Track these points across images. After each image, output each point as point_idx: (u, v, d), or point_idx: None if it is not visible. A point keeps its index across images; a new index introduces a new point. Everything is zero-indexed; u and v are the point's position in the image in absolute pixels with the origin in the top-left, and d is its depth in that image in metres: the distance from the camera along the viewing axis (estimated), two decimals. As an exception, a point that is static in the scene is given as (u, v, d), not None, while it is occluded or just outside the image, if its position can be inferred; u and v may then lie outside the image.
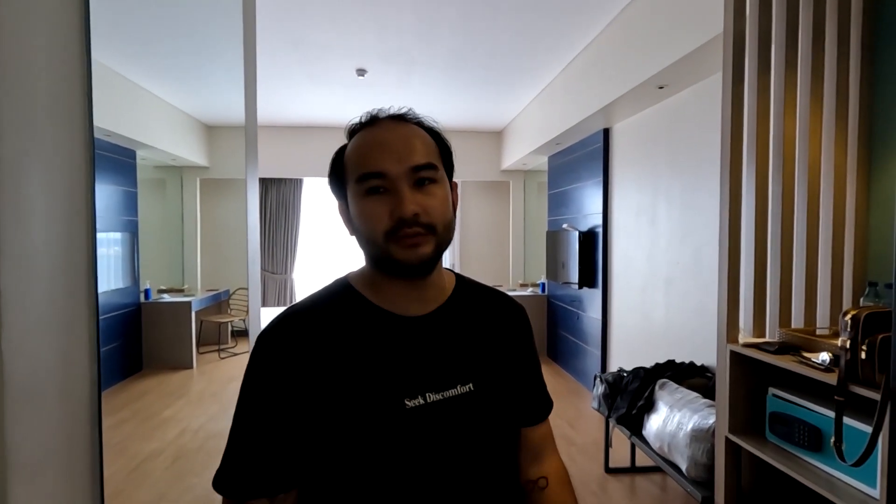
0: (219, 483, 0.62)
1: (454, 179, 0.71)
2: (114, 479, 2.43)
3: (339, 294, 0.69)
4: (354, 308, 0.67)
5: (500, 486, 0.69)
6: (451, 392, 0.65)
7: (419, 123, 0.69)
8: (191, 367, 4.39)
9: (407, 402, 0.62)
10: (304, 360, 0.62)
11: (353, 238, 0.68)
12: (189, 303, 4.49)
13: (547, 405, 0.82)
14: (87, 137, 0.74)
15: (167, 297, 4.48)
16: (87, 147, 0.75)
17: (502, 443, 0.70)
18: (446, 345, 0.67)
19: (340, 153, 0.68)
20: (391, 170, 0.61)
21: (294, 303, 0.69)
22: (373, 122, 0.67)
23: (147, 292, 4.19)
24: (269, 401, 0.61)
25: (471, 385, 0.67)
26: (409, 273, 0.64)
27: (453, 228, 0.67)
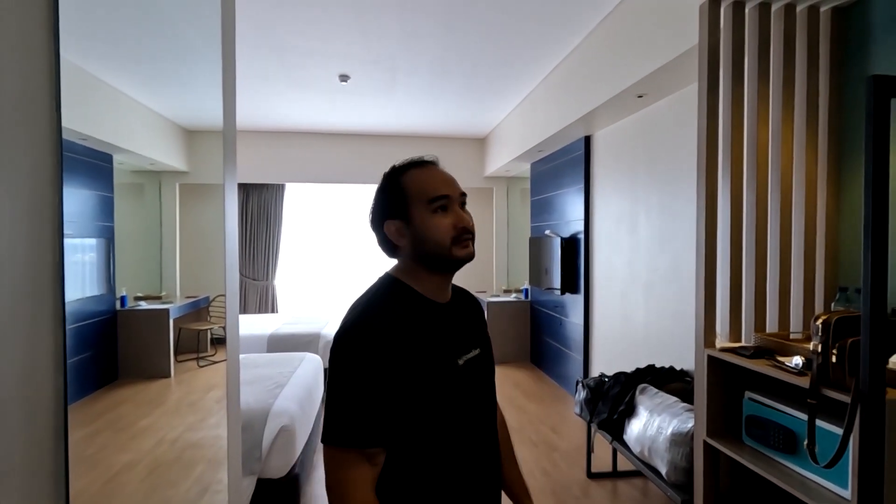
0: (328, 436, 0.81)
1: None
2: (86, 492, 2.35)
3: (396, 288, 0.92)
4: (411, 300, 0.91)
5: (495, 419, 1.03)
6: (473, 353, 0.95)
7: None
8: (168, 375, 4.28)
9: (458, 361, 0.90)
10: (389, 339, 0.82)
11: (403, 247, 0.92)
12: (167, 310, 4.38)
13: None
14: (54, 139, 0.72)
15: (144, 305, 4.37)
16: (54, 149, 0.73)
17: (494, 388, 1.03)
18: (463, 322, 0.98)
19: (396, 183, 0.92)
20: (451, 194, 0.90)
21: (365, 300, 0.90)
22: (423, 164, 0.94)
23: (123, 299, 4.08)
24: (368, 373, 0.81)
25: (479, 349, 0.97)
26: (461, 265, 0.91)
27: None
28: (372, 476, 0.82)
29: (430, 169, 0.93)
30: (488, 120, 5.63)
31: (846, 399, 1.23)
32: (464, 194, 0.93)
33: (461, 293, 1.05)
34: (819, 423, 1.37)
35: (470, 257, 0.92)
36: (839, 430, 1.31)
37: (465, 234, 0.89)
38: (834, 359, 1.29)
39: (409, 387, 0.83)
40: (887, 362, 1.26)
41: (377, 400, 0.81)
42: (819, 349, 1.32)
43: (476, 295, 6.68)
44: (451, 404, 0.88)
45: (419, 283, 0.92)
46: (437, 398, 0.86)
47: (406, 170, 0.93)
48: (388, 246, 0.95)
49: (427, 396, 0.85)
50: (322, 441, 0.83)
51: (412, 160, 0.95)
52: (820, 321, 1.33)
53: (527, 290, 5.78)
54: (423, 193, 0.89)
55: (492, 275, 6.80)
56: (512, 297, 5.89)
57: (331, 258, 7.08)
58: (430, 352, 0.87)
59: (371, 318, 0.86)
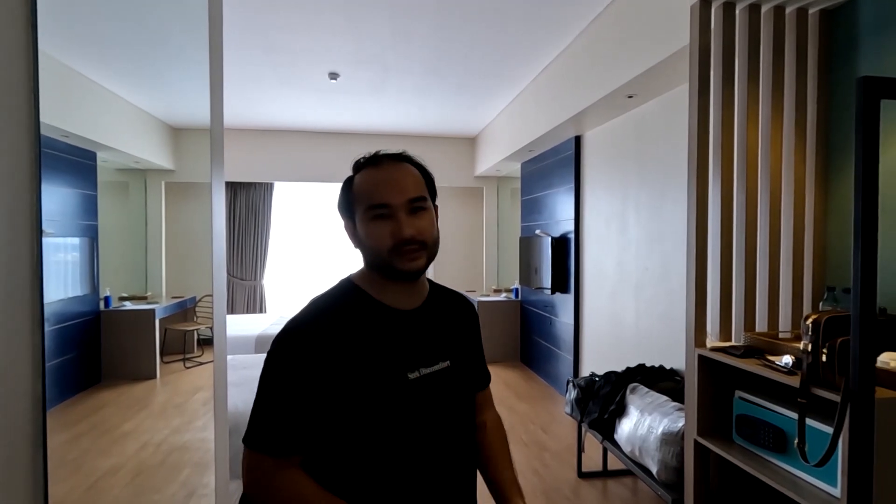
0: (246, 436, 0.77)
1: (435, 203, 0.91)
2: (67, 498, 2.30)
3: (351, 293, 0.86)
4: (364, 304, 0.84)
5: (468, 435, 0.94)
6: (437, 367, 0.86)
7: (410, 161, 0.89)
8: (154, 377, 4.22)
9: (409, 375, 0.82)
10: (331, 348, 0.77)
11: (358, 249, 0.87)
12: (152, 310, 4.32)
13: (488, 376, 1.09)
14: (32, 136, 0.70)
15: (129, 305, 4.30)
16: (32, 145, 0.70)
17: (468, 404, 0.94)
18: (430, 331, 0.88)
19: (349, 184, 0.87)
20: (394, 202, 0.81)
21: (314, 298, 0.86)
22: (376, 162, 0.86)
23: (107, 300, 4.00)
24: (293, 380, 0.77)
25: (448, 362, 0.88)
26: (406, 278, 0.83)
27: (438, 242, 0.88)
28: (289, 474, 0.77)
29: (382, 170, 0.84)
30: (479, 119, 5.62)
31: (836, 398, 1.24)
32: (418, 199, 0.83)
33: (446, 298, 0.98)
34: (809, 422, 1.38)
35: (416, 270, 0.82)
36: (829, 429, 1.32)
37: (406, 245, 0.80)
38: (824, 358, 1.30)
39: (341, 399, 0.77)
40: (876, 361, 1.27)
41: (299, 408, 0.76)
42: (809, 348, 1.32)
43: (470, 295, 6.62)
44: (393, 421, 0.80)
45: (376, 288, 0.86)
46: (375, 413, 0.79)
47: (362, 167, 0.87)
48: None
49: (363, 411, 0.78)
50: (244, 442, 0.79)
51: (371, 156, 0.87)
52: (810, 321, 1.34)
53: (517, 289, 5.79)
54: (365, 198, 0.83)
55: (482, 274, 6.80)
56: (502, 297, 5.89)
57: (320, 258, 7.03)
58: (373, 363, 0.80)
59: (310, 322, 0.81)
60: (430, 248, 0.84)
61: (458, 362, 0.90)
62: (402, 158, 0.88)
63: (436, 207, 0.90)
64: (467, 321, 1.00)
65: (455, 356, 0.90)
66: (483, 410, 1.05)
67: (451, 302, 0.98)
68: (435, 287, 0.97)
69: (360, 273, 0.88)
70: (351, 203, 0.85)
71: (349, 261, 6.70)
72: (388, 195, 0.81)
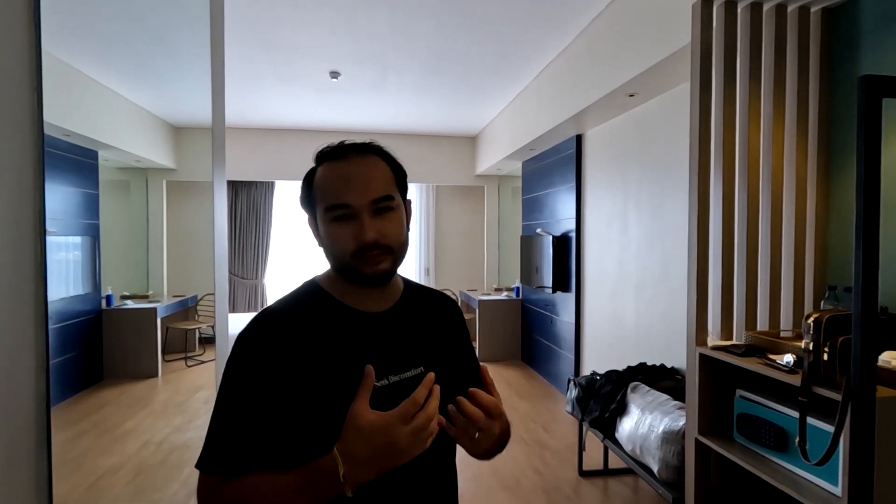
0: (203, 464, 0.70)
1: (406, 198, 0.84)
2: (69, 496, 2.30)
3: (311, 294, 0.80)
4: (325, 306, 0.78)
5: (445, 450, 0.83)
6: (408, 374, 0.78)
7: (379, 153, 0.79)
8: (155, 375, 4.23)
9: (375, 383, 0.72)
10: (284, 353, 0.71)
11: (322, 248, 0.80)
12: (154, 309, 4.33)
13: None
14: (36, 135, 0.70)
15: (131, 304, 4.31)
16: (35, 145, 0.70)
17: (446, 414, 0.81)
18: (401, 335, 0.81)
19: (310, 177, 0.79)
20: (355, 202, 0.73)
21: (271, 304, 0.79)
22: (339, 154, 0.77)
23: (109, 298, 4.01)
24: (247, 391, 0.70)
25: (421, 368, 0.80)
26: (371, 283, 0.77)
27: (407, 243, 0.81)
28: (238, 482, 0.68)
29: (345, 163, 0.76)
30: (479, 118, 5.62)
31: (837, 397, 1.24)
32: (384, 198, 0.75)
33: (424, 300, 0.89)
34: (810, 420, 1.38)
35: (380, 276, 0.76)
36: (830, 428, 1.32)
37: (369, 250, 0.73)
38: (825, 357, 1.30)
39: (300, 410, 0.70)
40: (877, 360, 1.27)
41: (251, 424, 0.69)
42: (811, 347, 1.32)
43: (471, 294, 6.59)
44: None
45: (341, 289, 0.79)
46: (338, 425, 0.69)
47: (324, 159, 0.78)
48: None
49: (324, 422, 0.70)
50: (197, 467, 0.71)
51: (335, 146, 0.78)
52: (811, 320, 1.34)
53: (518, 288, 5.79)
54: (325, 196, 0.75)
55: (483, 273, 6.80)
56: (503, 296, 5.90)
57: (320, 256, 7.03)
58: (335, 370, 0.72)
59: (265, 328, 0.74)
60: (396, 252, 0.77)
61: (433, 368, 0.79)
62: (370, 150, 0.78)
63: (407, 203, 0.83)
64: (449, 324, 0.91)
65: (430, 362, 0.81)
66: None
67: (429, 303, 0.90)
68: (411, 287, 0.90)
69: (326, 274, 0.82)
70: (312, 199, 0.78)
71: (350, 260, 6.70)
72: (350, 195, 0.73)
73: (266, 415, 0.69)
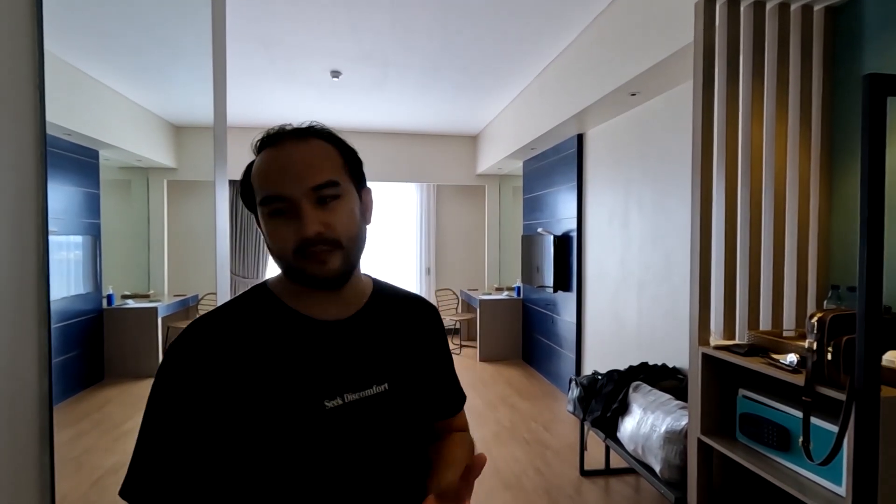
0: (126, 491, 0.61)
1: (361, 186, 0.73)
2: (70, 495, 2.30)
3: (257, 299, 0.71)
4: (272, 313, 0.69)
5: (412, 480, 0.72)
6: (368, 392, 0.69)
7: (324, 136, 0.70)
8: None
9: (326, 403, 0.65)
10: (219, 367, 0.62)
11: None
12: (155, 308, 4.32)
13: (460, 399, 0.88)
14: (38, 134, 0.69)
15: (131, 303, 4.30)
16: (38, 144, 0.70)
17: (415, 438, 0.74)
18: (363, 347, 0.71)
19: (249, 169, 0.70)
20: (293, 193, 0.64)
21: (211, 310, 0.70)
22: (275, 141, 0.67)
23: (110, 298, 4.01)
24: (180, 412, 0.61)
25: (386, 385, 0.70)
26: (321, 286, 0.67)
27: (363, 237, 0.71)
28: None
29: (282, 150, 0.66)
30: (480, 117, 5.61)
31: (840, 397, 1.24)
32: (326, 184, 0.65)
33: (396, 305, 0.79)
34: (813, 420, 1.38)
35: (330, 276, 0.66)
36: (833, 428, 1.32)
37: (309, 247, 0.63)
38: (829, 356, 1.29)
39: (238, 434, 0.61)
40: (881, 360, 1.26)
41: (184, 449, 0.60)
42: (814, 347, 1.32)
43: (472, 293, 6.59)
44: (302, 462, 0.63)
45: (293, 294, 0.70)
46: (280, 453, 0.62)
47: (261, 148, 0.69)
48: None
49: (265, 449, 0.62)
50: (121, 495, 0.63)
51: (272, 133, 0.68)
52: (815, 319, 1.33)
53: (519, 287, 5.79)
54: (258, 190, 0.66)
55: (484, 273, 6.80)
56: (504, 295, 5.89)
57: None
58: (279, 388, 0.63)
59: (201, 338, 0.64)
60: (346, 247, 0.67)
61: (401, 385, 0.72)
62: (311, 133, 0.68)
63: (364, 192, 0.73)
64: (424, 333, 0.80)
65: (398, 378, 0.72)
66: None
67: (402, 309, 0.79)
68: (382, 291, 0.79)
69: (278, 277, 0.72)
70: (251, 194, 0.68)
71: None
72: (286, 184, 0.64)
73: (202, 440, 0.60)
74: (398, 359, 0.74)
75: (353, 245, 0.68)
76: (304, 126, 0.69)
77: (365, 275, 0.78)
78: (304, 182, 0.64)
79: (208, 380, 0.62)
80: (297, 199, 0.64)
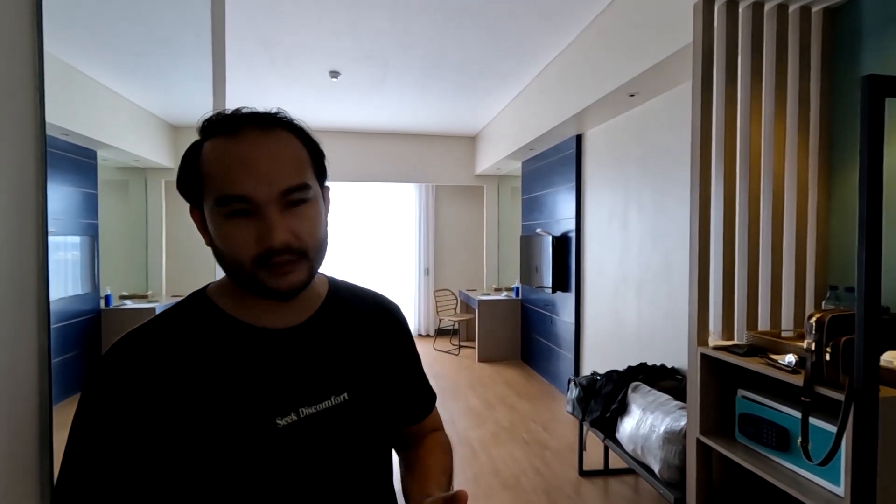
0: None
1: (324, 184, 0.66)
2: (69, 496, 2.30)
3: (194, 309, 0.63)
4: (212, 323, 0.61)
5: (377, 494, 0.69)
6: (325, 404, 0.63)
7: (289, 127, 0.62)
8: (154, 376, 4.21)
9: (279, 421, 0.59)
10: (149, 386, 0.55)
11: (211, 249, 0.62)
12: (153, 309, 4.30)
13: (430, 399, 0.83)
14: (38, 135, 0.69)
15: (130, 304, 4.30)
16: (37, 145, 0.70)
17: (381, 448, 0.69)
18: (318, 355, 0.65)
19: (194, 155, 0.60)
20: (258, 195, 0.55)
21: (143, 322, 0.62)
22: (234, 129, 0.58)
23: (108, 298, 4.00)
24: (106, 437, 0.54)
25: (345, 395, 0.65)
26: (280, 298, 0.60)
27: (327, 242, 0.64)
28: None
29: (242, 142, 0.57)
30: (479, 118, 5.61)
31: (839, 397, 1.24)
32: (298, 188, 0.58)
33: (354, 306, 0.72)
34: (812, 420, 1.38)
35: (293, 289, 0.59)
36: (832, 428, 1.32)
37: (274, 257, 0.56)
38: (827, 357, 1.29)
39: (178, 457, 0.55)
40: (880, 360, 1.26)
41: (116, 474, 0.54)
42: (813, 347, 1.32)
43: (470, 294, 6.59)
44: (254, 489, 0.57)
45: (237, 302, 0.62)
46: (226, 479, 0.56)
47: (210, 135, 0.59)
48: None
49: (209, 476, 0.56)
50: None
51: (226, 116, 0.59)
52: (814, 319, 1.34)
53: (517, 288, 5.79)
54: (215, 185, 0.56)
55: (482, 273, 6.80)
56: (503, 296, 5.89)
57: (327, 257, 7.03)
58: (223, 408, 0.57)
59: (125, 354, 0.57)
60: (312, 257, 0.60)
61: (362, 393, 0.66)
62: (276, 122, 0.60)
63: (325, 190, 0.65)
64: (386, 334, 0.74)
65: (358, 385, 0.66)
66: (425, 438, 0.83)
67: (360, 310, 0.72)
68: (338, 291, 0.72)
69: (220, 283, 0.65)
70: (198, 185, 0.59)
71: (343, 257, 6.68)
72: (251, 184, 0.55)
73: (136, 465, 0.55)
74: (358, 365, 0.68)
75: (318, 255, 0.62)
76: (265, 112, 0.60)
77: (320, 274, 0.70)
78: (272, 185, 0.56)
79: (137, 401, 0.55)
80: (263, 204, 0.55)
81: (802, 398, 1.33)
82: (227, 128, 0.58)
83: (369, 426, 0.67)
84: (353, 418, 0.64)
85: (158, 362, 0.57)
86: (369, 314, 0.73)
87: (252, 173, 0.55)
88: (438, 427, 0.85)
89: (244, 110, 0.60)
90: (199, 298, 0.64)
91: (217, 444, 0.56)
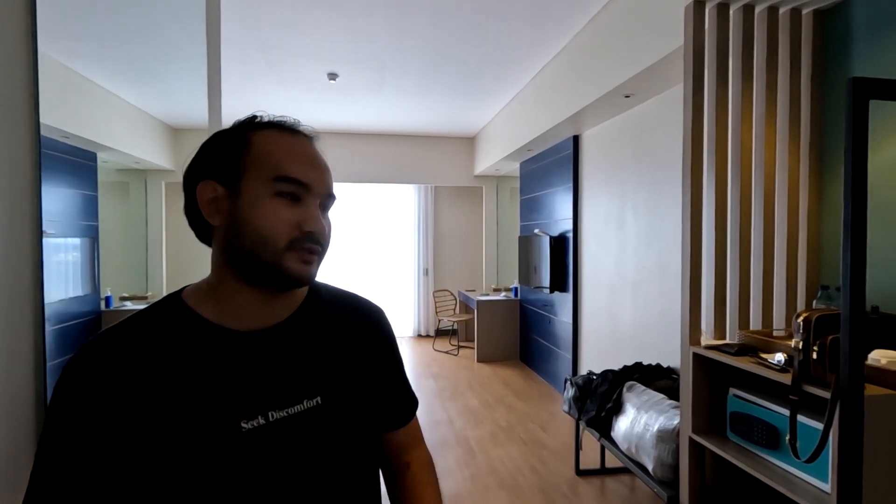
0: None
1: None
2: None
3: (164, 312, 0.62)
4: (182, 325, 0.61)
5: (356, 499, 0.67)
6: (297, 408, 0.62)
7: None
8: (155, 376, 4.22)
9: (244, 425, 0.58)
10: (119, 388, 0.56)
11: (216, 225, 0.62)
12: (153, 310, 4.33)
13: (412, 405, 0.82)
14: (33, 137, 0.71)
15: (130, 305, 4.32)
16: (33, 147, 0.71)
17: (356, 454, 0.68)
18: (291, 358, 0.64)
19: (238, 137, 0.62)
20: (316, 186, 0.62)
21: (112, 324, 0.62)
22: (292, 128, 0.65)
23: (108, 300, 4.02)
24: (74, 441, 0.54)
25: (318, 398, 0.64)
26: (290, 286, 0.62)
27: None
28: None
29: (301, 141, 0.63)
30: (477, 119, 5.63)
31: (826, 395, 1.26)
32: (331, 196, 0.65)
33: (333, 306, 0.72)
34: (800, 418, 1.40)
35: (305, 278, 0.61)
36: (820, 426, 1.34)
37: (308, 242, 0.60)
38: (815, 356, 1.31)
39: (143, 463, 0.55)
40: (866, 359, 1.28)
41: (83, 481, 0.54)
42: (800, 346, 1.34)
43: (469, 294, 6.60)
44: (216, 491, 0.57)
45: (213, 302, 0.62)
46: (189, 484, 0.56)
47: (263, 127, 0.63)
48: (198, 222, 0.64)
49: (172, 480, 0.56)
50: None
51: (277, 119, 0.65)
52: (801, 319, 1.35)
53: (516, 288, 5.81)
54: (272, 165, 0.60)
55: (481, 273, 6.82)
56: (501, 296, 5.91)
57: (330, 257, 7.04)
58: (186, 410, 0.56)
59: (92, 360, 0.57)
60: (323, 257, 0.65)
61: (337, 397, 0.65)
62: (316, 140, 0.67)
63: None
64: (366, 337, 0.73)
65: (333, 389, 0.65)
66: (407, 450, 0.81)
67: (340, 312, 0.72)
68: (318, 293, 0.72)
69: (198, 284, 0.66)
70: (237, 161, 0.61)
71: (343, 258, 6.70)
72: (310, 174, 0.61)
73: (103, 471, 0.55)
74: (333, 368, 0.67)
75: (325, 257, 0.66)
76: (313, 134, 0.67)
77: None
78: (325, 184, 0.63)
79: (104, 406, 0.55)
80: (315, 195, 0.62)
81: (790, 396, 1.35)
82: (283, 126, 0.64)
83: (344, 431, 0.66)
84: (326, 422, 0.64)
85: (125, 365, 0.57)
86: (349, 317, 0.73)
87: (315, 167, 0.62)
88: (419, 439, 0.83)
89: (294, 120, 0.67)
90: (173, 301, 0.64)
91: (181, 447, 0.56)
